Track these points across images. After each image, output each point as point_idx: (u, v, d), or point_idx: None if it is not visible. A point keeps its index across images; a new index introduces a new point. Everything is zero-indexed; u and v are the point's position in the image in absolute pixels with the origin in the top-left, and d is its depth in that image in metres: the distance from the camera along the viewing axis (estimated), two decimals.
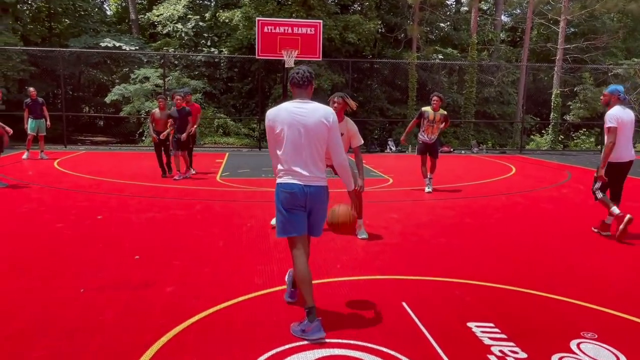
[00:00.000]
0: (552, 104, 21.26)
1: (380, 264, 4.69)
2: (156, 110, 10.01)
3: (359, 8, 23.06)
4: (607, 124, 5.57)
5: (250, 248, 5.13)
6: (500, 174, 11.50)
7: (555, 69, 21.70)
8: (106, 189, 8.50)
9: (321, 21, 15.53)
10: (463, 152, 18.06)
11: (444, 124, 8.70)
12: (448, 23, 25.97)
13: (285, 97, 16.78)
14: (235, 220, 6.34)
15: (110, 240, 5.29)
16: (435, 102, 8.56)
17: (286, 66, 15.34)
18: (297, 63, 16.65)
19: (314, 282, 3.40)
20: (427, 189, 8.73)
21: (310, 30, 15.26)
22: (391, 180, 10.18)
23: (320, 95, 20.44)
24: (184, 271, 4.35)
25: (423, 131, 8.70)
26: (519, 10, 29.19)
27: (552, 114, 21.30)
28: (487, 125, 23.49)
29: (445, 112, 8.75)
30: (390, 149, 17.78)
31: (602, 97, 6.15)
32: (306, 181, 3.33)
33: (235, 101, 21.82)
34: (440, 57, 22.68)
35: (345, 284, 4.12)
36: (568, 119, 22.72)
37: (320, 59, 16.30)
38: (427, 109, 8.69)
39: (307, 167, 3.33)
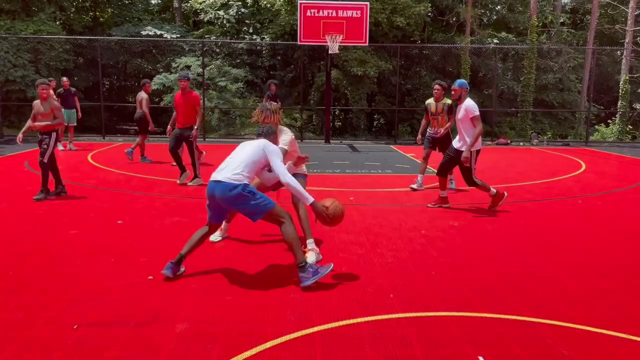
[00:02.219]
0: (620, 91, 19.47)
1: (444, 293, 3.76)
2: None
3: None
4: (475, 113, 6.19)
5: (283, 267, 4.29)
6: (569, 171, 10.24)
7: (625, 52, 19.83)
8: (135, 187, 7.86)
9: (368, 3, 14.46)
10: (522, 144, 16.67)
11: (449, 116, 7.59)
12: (503, 4, 24.29)
13: (329, 85, 15.87)
14: (269, 228, 5.52)
15: (124, 254, 4.56)
16: (437, 90, 7.50)
17: (330, 52, 14.40)
18: (341, 49, 15.68)
19: (350, 321, 2.51)
20: (414, 185, 7.93)
21: (356, 14, 14.23)
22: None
23: (365, 83, 19.49)
24: (202, 300, 3.56)
25: (430, 125, 7.81)
26: None
27: (619, 102, 19.51)
28: (545, 115, 21.86)
29: (450, 102, 7.54)
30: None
31: (452, 92, 6.45)
32: None
33: (278, 90, 21.03)
34: (496, 41, 21.16)
35: (400, 324, 3.21)
36: (638, 107, 20.80)
37: (367, 44, 15.25)
38: (429, 101, 7.71)
39: None
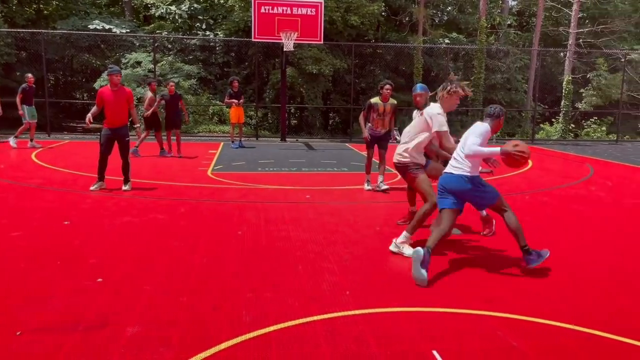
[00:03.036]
0: (563, 91, 20.28)
1: (400, 289, 3.80)
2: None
3: None
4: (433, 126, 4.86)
5: (239, 266, 4.23)
6: (517, 169, 10.56)
7: (567, 54, 20.68)
8: (83, 186, 7.58)
9: (322, 1, 14.48)
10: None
11: (392, 116, 7.64)
12: (454, 5, 24.86)
13: (284, 82, 15.80)
14: (225, 227, 5.44)
15: (71, 256, 4.38)
16: (388, 91, 7.47)
17: (285, 49, 14.34)
18: (296, 46, 15.65)
19: (307, 319, 2.51)
20: (366, 186, 7.79)
21: (311, 11, 14.22)
22: (399, 176, 9.25)
23: (321, 81, 19.53)
24: (154, 302, 3.46)
25: (372, 125, 7.67)
26: None
27: (563, 101, 20.33)
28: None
29: (395, 102, 7.69)
30: (395, 138, 16.82)
31: (418, 98, 6.05)
32: None
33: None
34: (447, 41, 21.63)
35: (357, 321, 3.22)
36: (580, 107, 21.73)
37: (321, 42, 15.27)
38: (376, 100, 7.57)
39: None
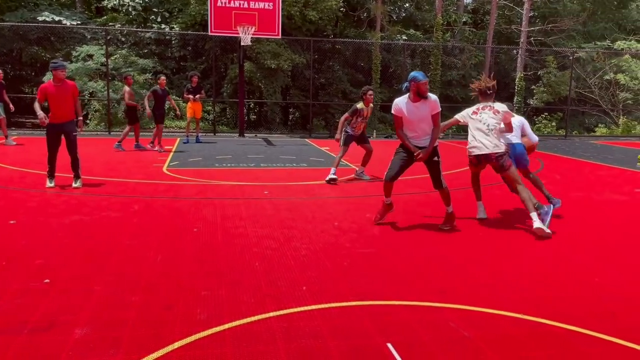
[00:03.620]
0: (515, 87, 20.86)
1: (356, 283, 3.82)
2: None
3: None
4: (438, 109, 5.39)
5: (194, 263, 4.16)
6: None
7: (519, 52, 21.28)
8: (31, 184, 7.29)
9: None
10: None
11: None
12: (411, 2, 25.16)
13: (242, 77, 15.62)
14: (180, 224, 5.34)
15: (18, 256, 4.21)
16: (371, 96, 8.17)
17: (242, 44, 14.18)
18: (254, 41, 15.50)
19: (262, 316, 2.49)
20: (332, 174, 8.04)
21: (269, 5, 14.11)
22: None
23: (279, 76, 19.42)
24: (104, 302, 3.36)
25: (353, 127, 8.23)
26: None
27: (515, 97, 20.90)
28: (450, 110, 22.92)
29: (372, 105, 8.40)
30: None
31: (424, 87, 5.36)
32: None
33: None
34: (404, 38, 21.89)
35: (313, 316, 3.22)
36: (531, 103, 22.42)
37: (280, 37, 15.18)
38: (361, 105, 8.08)
39: None
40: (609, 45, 23.52)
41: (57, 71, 6.97)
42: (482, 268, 4.23)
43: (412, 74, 5.34)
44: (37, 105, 7.01)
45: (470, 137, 5.80)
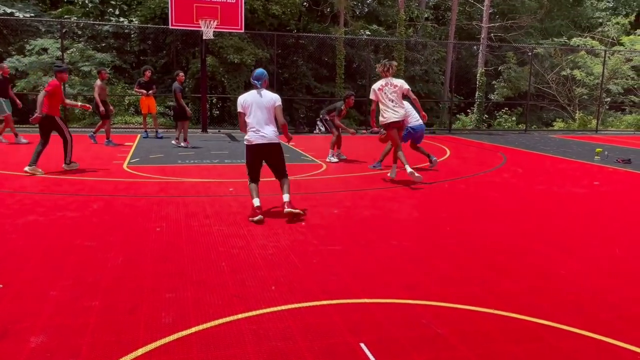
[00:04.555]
0: (477, 82, 21.21)
1: (325, 281, 3.75)
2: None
3: None
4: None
5: (158, 264, 4.00)
6: (436, 157, 10.89)
7: (480, 47, 21.64)
8: None
9: None
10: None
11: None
12: None
13: (204, 72, 15.32)
14: (141, 223, 5.16)
15: None
16: (353, 101, 10.07)
17: (204, 37, 13.89)
18: (216, 35, 15.22)
19: (231, 318, 2.38)
20: (333, 159, 9.90)
21: None
22: (325, 166, 9.26)
23: (243, 71, 19.14)
24: (61, 308, 3.18)
25: (331, 118, 10.02)
26: None
27: (477, 93, 21.27)
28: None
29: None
30: (320, 129, 16.85)
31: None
32: None
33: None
34: (368, 33, 21.94)
35: (283, 317, 3.13)
36: (492, 98, 22.84)
37: (243, 31, 14.95)
38: (342, 105, 9.91)
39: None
40: (565, 41, 24.19)
41: (63, 74, 8.21)
42: (447, 261, 4.23)
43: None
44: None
45: (382, 108, 7.50)
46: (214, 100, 21.66)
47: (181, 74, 11.76)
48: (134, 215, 5.46)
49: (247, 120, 5.57)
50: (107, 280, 3.66)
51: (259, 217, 5.33)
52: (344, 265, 4.09)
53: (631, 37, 24.22)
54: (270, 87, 5.91)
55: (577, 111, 22.98)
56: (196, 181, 7.51)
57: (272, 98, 5.58)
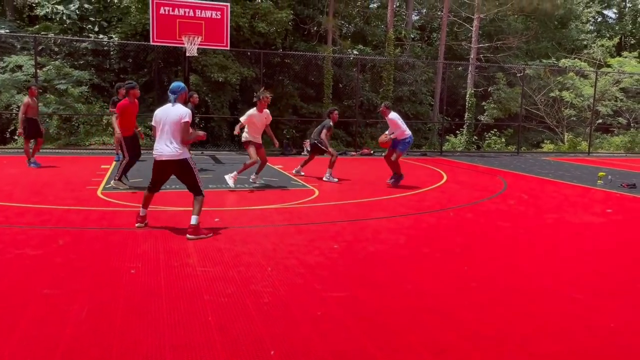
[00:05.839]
0: (466, 104, 20.89)
1: (334, 340, 3.06)
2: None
3: None
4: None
5: (130, 318, 3.28)
6: (433, 182, 10.34)
7: (470, 68, 21.38)
8: None
9: (228, 4, 13.60)
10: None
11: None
12: (359, 18, 24.95)
13: (188, 90, 14.62)
14: (114, 263, 4.43)
15: None
16: (337, 115, 10.16)
17: (188, 54, 13.26)
18: (200, 52, 14.61)
19: None
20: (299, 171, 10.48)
21: (216, 14, 13.29)
22: (317, 192, 8.60)
23: (228, 90, 18.53)
24: None
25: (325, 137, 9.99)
26: (424, 11, 28.92)
27: (466, 114, 20.94)
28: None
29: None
30: (307, 151, 16.23)
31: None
32: None
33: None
34: (355, 52, 21.56)
35: None
36: (482, 119, 22.54)
37: (228, 48, 14.36)
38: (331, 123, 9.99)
39: None
40: (554, 62, 24.12)
41: (134, 90, 8.16)
42: (474, 312, 3.58)
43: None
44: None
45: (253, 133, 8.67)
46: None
47: (195, 95, 11.11)
48: (105, 253, 4.73)
49: (157, 132, 5.43)
50: (67, 339, 2.93)
51: (138, 224, 5.67)
52: (354, 318, 3.42)
53: (619, 58, 24.25)
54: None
55: (566, 133, 22.78)
56: (177, 210, 6.79)
57: (179, 113, 5.32)
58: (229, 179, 8.58)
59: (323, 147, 9.96)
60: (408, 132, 9.36)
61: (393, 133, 9.32)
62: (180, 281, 4.04)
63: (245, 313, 3.46)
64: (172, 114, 5.34)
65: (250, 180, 9.11)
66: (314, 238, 5.52)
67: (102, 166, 11.07)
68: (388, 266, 4.62)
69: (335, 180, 9.78)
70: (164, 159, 5.37)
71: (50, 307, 3.46)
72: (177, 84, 5.50)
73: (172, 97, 5.42)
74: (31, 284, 3.88)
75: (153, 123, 5.50)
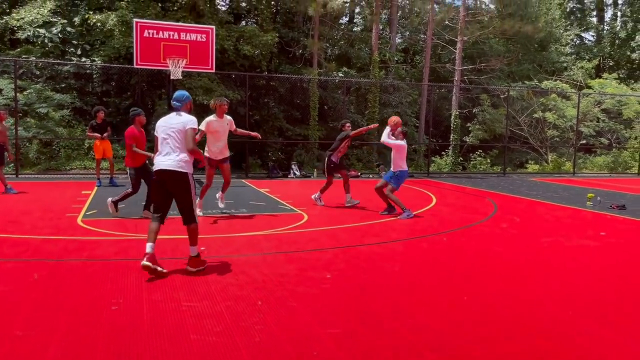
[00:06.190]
0: (451, 125, 20.96)
1: None
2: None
3: (254, 19, 21.38)
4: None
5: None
6: (423, 204, 10.19)
7: (454, 90, 21.52)
8: None
9: (213, 27, 13.49)
10: (371, 176, 16.83)
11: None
12: (344, 41, 25.07)
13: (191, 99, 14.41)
14: (93, 299, 4.14)
15: None
16: (349, 126, 9.57)
17: (172, 78, 13.07)
18: (185, 75, 14.44)
19: None
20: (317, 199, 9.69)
21: (201, 37, 13.16)
22: (306, 217, 8.38)
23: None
24: None
25: (339, 152, 9.51)
26: (407, 33, 29.20)
27: (452, 135, 20.99)
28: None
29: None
30: (294, 173, 16.06)
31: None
32: None
33: (112, 118, 18.87)
34: (341, 74, 21.60)
35: None
36: (467, 140, 22.62)
37: (213, 71, 14.21)
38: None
39: None
40: (537, 84, 24.41)
41: (140, 117, 8.02)
42: (483, 350, 3.36)
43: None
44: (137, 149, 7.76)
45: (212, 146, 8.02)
46: None
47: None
48: (84, 288, 4.44)
49: (158, 144, 5.08)
50: None
51: (145, 262, 4.69)
52: (353, 358, 3.19)
53: (600, 80, 24.65)
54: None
55: (549, 153, 22.95)
56: (161, 238, 6.49)
57: (183, 120, 5.03)
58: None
59: (339, 168, 9.51)
60: (405, 167, 8.75)
61: (392, 151, 8.73)
62: (165, 318, 3.77)
63: (236, 355, 3.20)
64: (175, 122, 5.03)
65: (217, 197, 8.75)
66: (305, 267, 5.29)
67: (83, 192, 10.74)
68: (385, 297, 4.40)
69: (356, 201, 9.64)
70: (162, 168, 4.92)
71: (22, 351, 3.17)
72: (181, 92, 5.25)
73: (177, 105, 5.12)
74: (2, 323, 3.59)
75: (155, 134, 5.16)
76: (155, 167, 5.03)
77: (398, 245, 6.49)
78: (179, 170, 4.93)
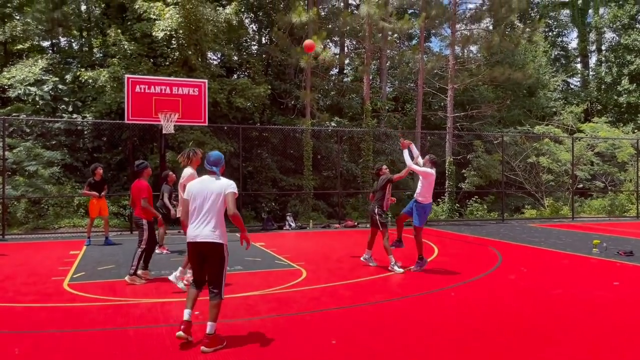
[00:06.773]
0: (446, 172, 20.84)
1: None
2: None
3: (247, 72, 21.57)
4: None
5: None
6: (425, 256, 9.81)
7: (447, 137, 21.56)
8: None
9: (206, 81, 13.46)
10: (368, 225, 16.48)
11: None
12: (335, 92, 25.30)
13: (163, 168, 14.18)
14: None
15: None
16: (386, 169, 8.89)
17: (164, 132, 12.90)
18: (177, 129, 14.30)
19: None
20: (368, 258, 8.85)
21: (194, 91, 13.09)
22: (305, 273, 8.00)
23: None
24: None
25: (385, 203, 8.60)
26: (397, 82, 29.58)
27: (447, 182, 20.84)
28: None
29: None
30: (290, 225, 15.70)
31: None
32: None
33: (104, 174, 18.59)
34: (333, 124, 21.65)
35: None
36: (463, 186, 22.48)
37: (206, 124, 14.09)
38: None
39: None
40: (528, 129, 24.56)
41: (148, 169, 7.71)
42: None
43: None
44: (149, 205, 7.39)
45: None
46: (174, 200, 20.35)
47: (171, 173, 10.63)
48: None
49: (190, 210, 4.71)
50: None
51: (180, 333, 4.42)
52: None
53: (592, 124, 24.86)
54: (234, 181, 4.85)
55: (545, 198, 22.81)
56: (154, 302, 6.11)
57: (222, 185, 4.67)
58: (175, 279, 6.86)
59: (379, 219, 8.45)
60: (430, 200, 8.16)
61: (419, 176, 8.12)
62: None
63: None
64: (212, 187, 4.63)
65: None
66: (307, 332, 4.91)
67: (71, 252, 10.31)
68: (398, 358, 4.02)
69: (402, 270, 8.06)
70: (199, 240, 4.59)
71: None
72: (217, 154, 4.79)
73: (214, 169, 4.70)
74: None
75: (185, 196, 4.77)
76: (190, 239, 4.66)
77: (404, 302, 6.12)
78: (216, 241, 4.60)
